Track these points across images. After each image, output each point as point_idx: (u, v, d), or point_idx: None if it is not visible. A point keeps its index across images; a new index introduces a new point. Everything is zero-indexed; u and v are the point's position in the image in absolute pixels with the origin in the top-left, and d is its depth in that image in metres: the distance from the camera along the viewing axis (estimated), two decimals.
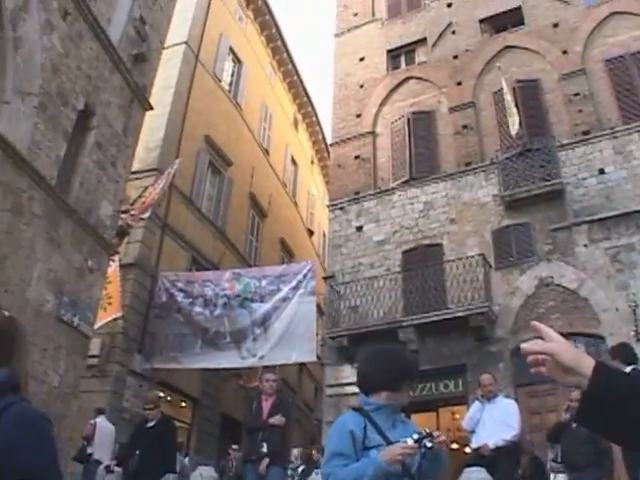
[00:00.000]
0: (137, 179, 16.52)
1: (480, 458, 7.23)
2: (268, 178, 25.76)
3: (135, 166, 15.52)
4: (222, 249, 20.34)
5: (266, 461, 6.87)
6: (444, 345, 14.48)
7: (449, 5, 19.83)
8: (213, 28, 22.00)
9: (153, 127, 17.17)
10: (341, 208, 18.19)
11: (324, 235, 27.86)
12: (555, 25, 17.42)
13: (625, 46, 16.09)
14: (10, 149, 9.72)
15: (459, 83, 18.24)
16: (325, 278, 17.75)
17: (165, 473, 7.22)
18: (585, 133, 15.53)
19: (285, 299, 15.94)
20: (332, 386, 15.51)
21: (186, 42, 20.12)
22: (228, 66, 23.47)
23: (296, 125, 31.54)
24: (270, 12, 26.80)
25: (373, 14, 21.50)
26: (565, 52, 16.86)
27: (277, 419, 7.01)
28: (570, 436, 6.67)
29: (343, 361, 15.24)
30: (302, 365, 23.69)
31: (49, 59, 10.86)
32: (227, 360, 15.95)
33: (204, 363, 16.16)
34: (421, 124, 18.27)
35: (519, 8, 18.36)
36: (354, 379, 3.22)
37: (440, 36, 19.43)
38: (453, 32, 19.28)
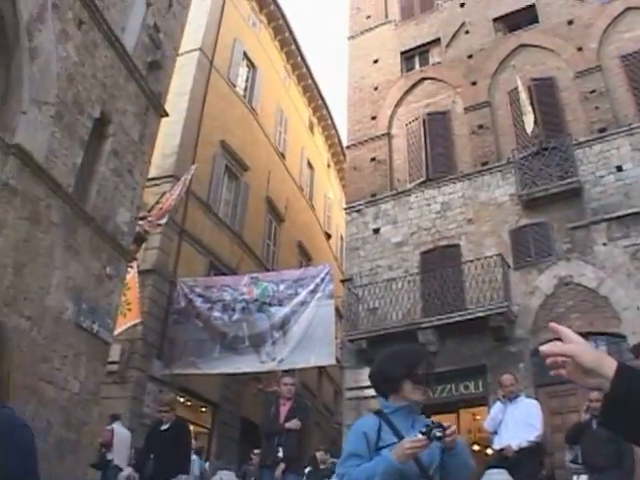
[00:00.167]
0: (154, 186, 16.62)
1: (503, 459, 7.16)
2: (284, 182, 25.80)
3: (152, 173, 15.59)
4: (240, 254, 20.39)
5: (282, 466, 6.76)
6: (464, 346, 14.41)
7: (462, 5, 19.76)
8: (227, 34, 22.08)
9: (169, 134, 17.25)
10: (358, 211, 18.17)
11: (341, 238, 27.81)
12: (569, 22, 17.28)
13: None
14: (28, 158, 9.80)
15: (474, 83, 18.16)
16: (343, 281, 17.73)
17: (178, 474, 7.24)
18: (602, 130, 15.39)
19: (303, 303, 15.94)
20: (351, 389, 15.47)
21: (200, 48, 20.21)
22: (242, 71, 23.54)
23: (311, 128, 31.57)
24: (283, 16, 26.85)
25: (386, 16, 21.48)
26: (580, 49, 16.73)
27: (293, 423, 6.92)
28: (590, 436, 6.57)
29: (362, 364, 15.17)
30: (321, 368, 23.65)
31: (65, 68, 10.94)
32: (246, 364, 15.95)
33: (223, 368, 16.17)
34: (436, 125, 18.22)
35: (533, 6, 18.24)
36: None
37: (454, 36, 19.37)
38: (467, 32, 19.20)
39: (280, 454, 6.81)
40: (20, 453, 1.78)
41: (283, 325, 15.87)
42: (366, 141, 19.33)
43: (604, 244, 14.04)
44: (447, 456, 2.67)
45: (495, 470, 6.93)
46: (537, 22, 18.02)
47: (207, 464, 14.45)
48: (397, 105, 19.46)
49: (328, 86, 60.32)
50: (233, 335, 16.04)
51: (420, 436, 2.54)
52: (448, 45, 19.39)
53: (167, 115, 15.15)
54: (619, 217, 14.06)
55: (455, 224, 16.32)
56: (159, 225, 15.60)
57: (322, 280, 16.12)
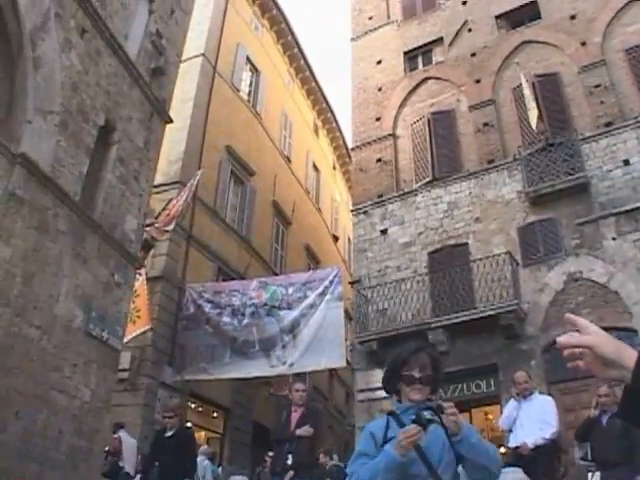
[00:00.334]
0: (161, 192, 16.64)
1: (518, 458, 7.10)
2: (291, 186, 25.80)
3: (158, 179, 15.60)
4: (248, 258, 20.38)
5: (290, 474, 6.59)
6: (474, 345, 14.35)
7: (464, 3, 19.73)
8: (229, 39, 22.11)
9: (174, 140, 17.27)
10: (365, 212, 18.14)
11: (349, 240, 27.79)
12: (572, 17, 17.23)
13: None
14: (34, 167, 9.81)
15: (478, 81, 18.12)
16: (352, 283, 17.69)
17: (183, 479, 7.29)
18: (608, 125, 15.32)
19: (312, 305, 15.90)
20: (363, 391, 15.42)
21: (203, 54, 20.23)
22: (246, 76, 23.56)
23: (316, 131, 31.57)
24: (285, 20, 26.88)
25: (388, 16, 21.47)
26: (584, 44, 16.66)
27: (304, 430, 6.72)
28: (600, 432, 6.49)
29: (373, 365, 15.12)
30: (332, 371, 23.63)
31: (69, 77, 10.96)
32: (257, 369, 15.93)
33: (234, 373, 16.15)
34: (441, 124, 18.18)
35: (535, 2, 18.20)
36: None
37: (456, 35, 19.34)
38: (469, 30, 19.17)
39: (289, 461, 6.65)
40: None
41: (293, 328, 15.83)
42: (371, 142, 19.31)
43: (613, 238, 13.96)
44: (458, 447, 2.61)
45: (510, 469, 6.85)
46: (540, 18, 17.98)
47: (220, 469, 14.44)
48: (401, 105, 19.44)
49: (332, 88, 60.33)
50: (243, 340, 16.02)
51: (413, 425, 2.52)
52: (451, 44, 19.36)
53: (172, 121, 15.16)
54: (627, 211, 13.98)
55: (462, 223, 16.27)
56: (166, 231, 15.61)
57: (331, 282, 16.09)
